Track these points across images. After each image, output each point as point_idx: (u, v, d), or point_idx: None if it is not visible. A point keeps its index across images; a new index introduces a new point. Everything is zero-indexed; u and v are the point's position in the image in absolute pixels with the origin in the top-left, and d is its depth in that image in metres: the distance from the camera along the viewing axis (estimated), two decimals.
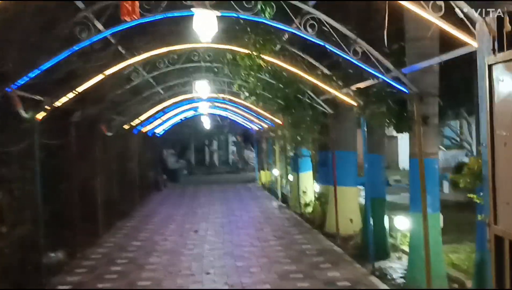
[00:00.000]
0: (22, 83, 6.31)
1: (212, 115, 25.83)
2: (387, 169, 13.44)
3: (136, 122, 16.49)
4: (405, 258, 9.45)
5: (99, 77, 8.07)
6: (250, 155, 37.06)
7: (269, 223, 13.73)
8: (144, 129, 20.24)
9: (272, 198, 19.57)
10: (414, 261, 7.58)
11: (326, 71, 8.41)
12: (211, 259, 9.74)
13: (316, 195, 14.01)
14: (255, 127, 24.97)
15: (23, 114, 6.86)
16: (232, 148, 39.53)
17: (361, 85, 7.69)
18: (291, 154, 15.95)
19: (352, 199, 11.80)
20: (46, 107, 7.70)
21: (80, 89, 8.04)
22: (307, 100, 10.56)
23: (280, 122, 16.16)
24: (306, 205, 14.80)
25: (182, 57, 10.21)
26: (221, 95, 13.48)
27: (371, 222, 8.84)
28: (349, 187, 11.71)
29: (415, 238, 7.49)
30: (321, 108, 10.59)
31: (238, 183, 26.74)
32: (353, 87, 8.01)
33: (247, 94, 9.91)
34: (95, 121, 11.69)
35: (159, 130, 25.14)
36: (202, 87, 10.24)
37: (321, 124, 11.87)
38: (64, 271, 9.02)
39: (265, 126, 20.80)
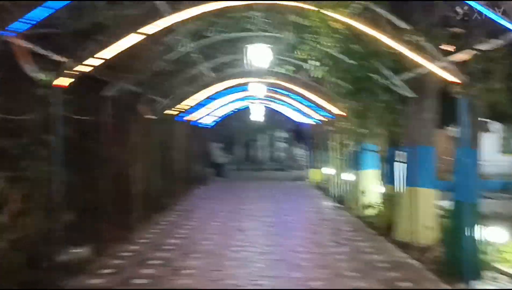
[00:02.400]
0: (21, 28, 4.82)
1: (262, 108, 24.32)
2: None
3: (181, 108, 15.09)
4: (503, 280, 7.53)
5: (134, 37, 6.54)
6: (300, 152, 35.32)
7: (325, 225, 11.98)
8: (191, 118, 18.87)
9: (325, 197, 17.78)
10: None
11: (416, 34, 6.55)
12: (261, 266, 8.11)
13: (381, 197, 12.14)
14: (308, 121, 23.21)
15: (31, 72, 5.41)
16: (281, 144, 37.83)
17: (477, 49, 5.77)
18: (353, 149, 14.10)
19: (429, 203, 9.84)
20: (68, 70, 6.25)
21: (110, 51, 6.55)
22: (384, 81, 8.74)
23: (343, 113, 14.38)
24: (367, 207, 12.96)
25: (233, 26, 8.59)
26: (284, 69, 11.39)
27: (466, 232, 7.00)
28: (426, 188, 9.82)
29: None
30: (400, 91, 8.76)
31: (287, 181, 25.06)
32: (457, 57, 6.16)
33: (316, 63, 8.15)
34: (134, 100, 10.28)
35: (207, 121, 23.79)
36: (258, 55, 8.25)
37: (395, 112, 10.02)
38: (87, 271, 7.59)
39: (322, 118, 19.01)
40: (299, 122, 25.85)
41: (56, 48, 6.22)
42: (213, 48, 10.49)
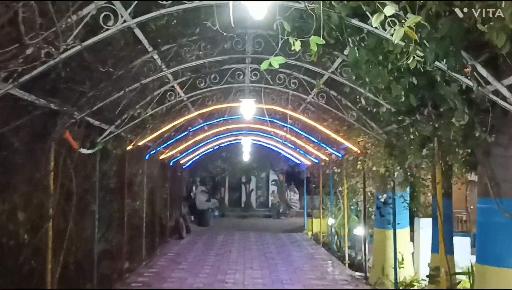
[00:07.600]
0: None
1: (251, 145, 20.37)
2: None
3: (145, 141, 11.16)
4: None
5: None
6: (293, 197, 31.37)
7: None
8: (162, 155, 14.91)
9: (333, 259, 13.76)
10: None
11: None
12: None
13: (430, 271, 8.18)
14: (306, 161, 19.34)
15: None
16: (273, 187, 33.75)
17: None
18: (381, 198, 10.17)
19: None
20: None
21: None
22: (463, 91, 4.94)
23: (358, 151, 10.58)
24: (408, 285, 8.97)
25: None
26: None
27: None
28: None
29: None
30: (502, 104, 4.93)
31: (281, 232, 20.97)
32: None
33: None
34: (47, 124, 6.36)
35: (186, 159, 19.77)
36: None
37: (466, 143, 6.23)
38: None
39: (326, 157, 15.19)
40: (294, 161, 21.99)
41: None
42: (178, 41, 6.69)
